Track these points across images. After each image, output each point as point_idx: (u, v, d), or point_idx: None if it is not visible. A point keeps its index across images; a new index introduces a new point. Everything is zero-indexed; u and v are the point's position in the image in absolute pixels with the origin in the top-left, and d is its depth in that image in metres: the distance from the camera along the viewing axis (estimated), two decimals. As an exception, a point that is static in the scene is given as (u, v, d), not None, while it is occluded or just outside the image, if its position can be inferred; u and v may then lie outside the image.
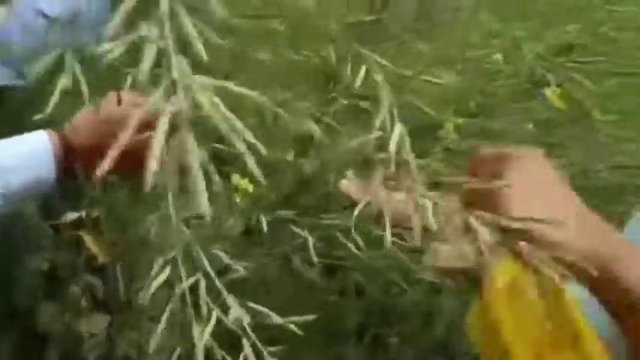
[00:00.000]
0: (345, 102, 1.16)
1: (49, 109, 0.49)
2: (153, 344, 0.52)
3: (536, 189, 0.48)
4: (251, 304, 0.55)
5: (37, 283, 1.24)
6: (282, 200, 1.18)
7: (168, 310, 0.52)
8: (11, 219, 1.19)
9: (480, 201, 0.48)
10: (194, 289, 0.53)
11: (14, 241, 1.21)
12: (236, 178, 1.10)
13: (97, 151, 0.83)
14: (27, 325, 1.24)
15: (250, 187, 1.10)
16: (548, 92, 1.14)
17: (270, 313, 0.56)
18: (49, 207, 1.20)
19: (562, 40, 1.22)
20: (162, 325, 0.52)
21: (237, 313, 0.52)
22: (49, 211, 1.20)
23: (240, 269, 0.59)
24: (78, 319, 1.21)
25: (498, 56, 1.15)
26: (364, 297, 1.39)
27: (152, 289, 0.53)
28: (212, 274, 0.53)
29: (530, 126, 1.42)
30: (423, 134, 1.27)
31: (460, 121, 1.32)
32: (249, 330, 0.54)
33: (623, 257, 0.47)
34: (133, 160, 0.68)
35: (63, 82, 0.46)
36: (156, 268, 0.53)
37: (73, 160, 0.83)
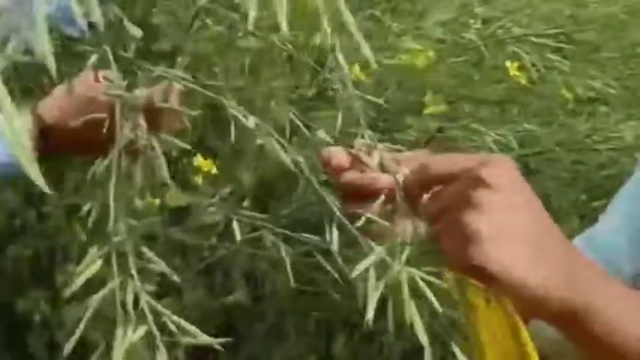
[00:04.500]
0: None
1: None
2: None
3: (511, 214, 0.43)
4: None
5: (21, 271, 1.24)
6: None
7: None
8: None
9: (449, 218, 0.44)
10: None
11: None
12: (198, 161, 1.06)
13: (71, 130, 0.83)
14: (10, 313, 1.24)
15: (213, 169, 1.05)
16: (507, 64, 1.16)
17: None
18: (32, 193, 1.20)
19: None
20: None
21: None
22: (32, 197, 1.20)
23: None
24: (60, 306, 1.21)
25: (472, 35, 1.15)
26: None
27: (79, 283, 0.51)
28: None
29: (515, 111, 1.43)
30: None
31: (443, 107, 1.32)
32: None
33: (593, 302, 0.44)
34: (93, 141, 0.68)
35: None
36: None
37: (49, 140, 0.83)
